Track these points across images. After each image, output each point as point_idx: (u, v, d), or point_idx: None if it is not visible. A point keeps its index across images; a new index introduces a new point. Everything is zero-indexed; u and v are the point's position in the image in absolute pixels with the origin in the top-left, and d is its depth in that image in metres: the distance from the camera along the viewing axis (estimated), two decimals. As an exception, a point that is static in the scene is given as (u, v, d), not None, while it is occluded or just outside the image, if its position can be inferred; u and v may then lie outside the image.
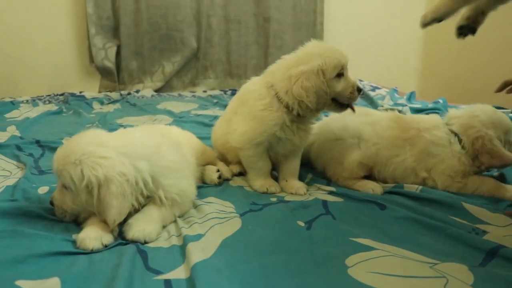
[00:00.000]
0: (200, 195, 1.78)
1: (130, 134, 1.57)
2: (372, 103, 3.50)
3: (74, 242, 1.37)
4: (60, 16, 4.22)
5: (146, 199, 1.49)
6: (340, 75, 1.80)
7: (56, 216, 1.51)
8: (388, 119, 2.04)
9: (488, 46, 4.40)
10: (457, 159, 1.89)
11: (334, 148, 2.00)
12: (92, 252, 1.32)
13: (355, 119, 2.03)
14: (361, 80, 4.32)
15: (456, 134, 1.93)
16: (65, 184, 1.43)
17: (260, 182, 1.90)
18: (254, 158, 1.89)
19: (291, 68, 1.80)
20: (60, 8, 4.20)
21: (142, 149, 1.48)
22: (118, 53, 4.32)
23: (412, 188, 1.84)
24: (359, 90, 1.84)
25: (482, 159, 1.87)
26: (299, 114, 1.82)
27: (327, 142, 2.03)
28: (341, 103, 1.85)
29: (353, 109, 1.87)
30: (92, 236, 1.36)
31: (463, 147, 1.91)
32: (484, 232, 1.46)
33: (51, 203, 1.52)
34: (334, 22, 4.75)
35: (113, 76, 4.31)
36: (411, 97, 3.57)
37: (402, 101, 3.45)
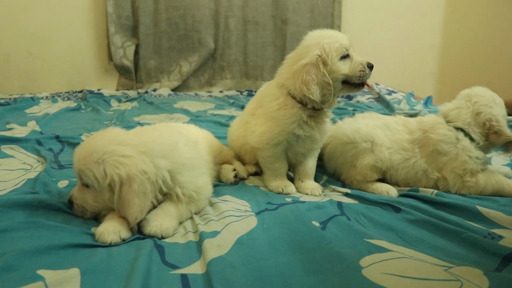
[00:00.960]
0: (216, 193, 1.80)
1: (148, 133, 1.59)
2: (389, 107, 3.49)
3: (93, 235, 1.41)
4: (80, 15, 4.29)
5: (163, 196, 1.52)
6: (345, 57, 1.81)
7: (75, 213, 1.53)
8: (395, 123, 2.06)
9: (506, 51, 4.36)
10: (468, 155, 1.90)
11: (347, 152, 2.01)
12: (110, 245, 1.35)
13: (368, 122, 2.04)
14: (377, 84, 4.31)
15: (461, 130, 1.94)
16: (86, 183, 1.45)
17: (276, 183, 1.91)
18: (272, 158, 1.91)
19: (294, 64, 1.82)
20: (81, 7, 4.27)
21: (161, 147, 1.50)
22: (136, 52, 4.38)
23: (428, 192, 1.84)
24: (371, 66, 1.83)
25: (491, 139, 1.92)
26: (315, 108, 1.84)
27: (340, 145, 2.03)
28: (354, 84, 1.85)
29: (368, 86, 1.88)
30: (110, 230, 1.39)
31: (472, 140, 1.92)
32: (500, 237, 1.45)
33: (70, 201, 1.54)
34: (352, 26, 4.75)
35: (131, 74, 4.37)
36: (427, 101, 3.55)
37: (419, 105, 3.44)
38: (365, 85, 1.87)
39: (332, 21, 4.65)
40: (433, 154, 1.94)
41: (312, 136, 1.87)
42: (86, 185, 1.46)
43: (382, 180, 2.01)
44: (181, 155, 1.55)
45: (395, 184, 2.00)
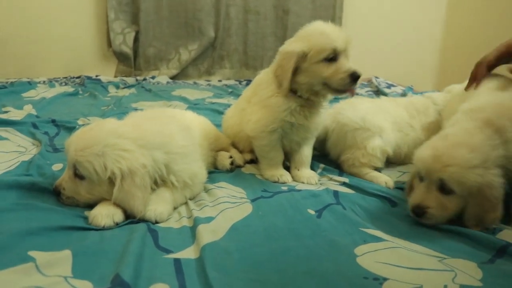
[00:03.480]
0: (212, 180, 1.79)
1: (144, 123, 1.56)
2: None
3: (86, 218, 1.39)
4: (80, 0, 4.24)
5: (157, 186, 1.51)
6: (331, 59, 1.71)
7: (64, 203, 1.49)
8: (388, 103, 2.24)
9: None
10: None
11: (358, 136, 2.00)
12: (103, 229, 1.34)
13: (368, 108, 2.09)
14: (377, 77, 4.29)
15: None
16: (83, 175, 1.42)
17: (271, 171, 1.89)
18: (267, 147, 1.89)
19: None
20: (80, -9, 4.23)
21: (157, 139, 1.49)
22: (136, 39, 4.34)
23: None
24: (355, 77, 1.70)
25: None
26: (304, 97, 1.81)
27: (350, 131, 2.02)
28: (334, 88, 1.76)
29: (351, 94, 1.80)
30: (104, 213, 1.38)
31: None
32: (495, 229, 1.45)
33: (57, 192, 1.50)
34: (353, 17, 4.71)
35: (130, 61, 4.33)
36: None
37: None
38: (348, 92, 1.78)
39: (334, 13, 4.61)
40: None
41: (304, 125, 1.85)
42: (80, 177, 1.44)
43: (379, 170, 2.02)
44: (176, 144, 1.54)
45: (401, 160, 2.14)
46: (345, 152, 2.04)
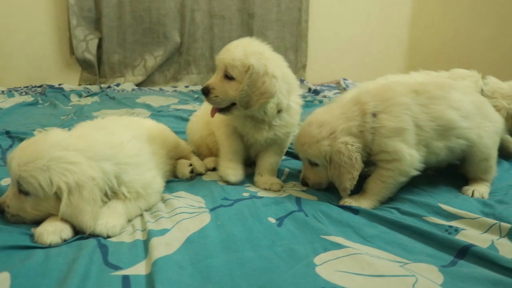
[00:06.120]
0: (171, 189, 1.72)
1: (91, 135, 1.48)
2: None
3: (32, 235, 1.31)
4: (40, 6, 4.13)
5: (108, 198, 1.44)
6: None
7: (9, 221, 1.40)
8: None
9: (472, 48, 4.40)
10: None
11: None
12: (50, 246, 1.26)
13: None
14: (345, 79, 4.29)
15: None
16: (27, 191, 1.34)
17: (225, 163, 1.88)
18: (223, 136, 1.91)
19: None
20: (40, -3, 4.11)
21: (106, 150, 1.42)
22: (99, 46, 4.24)
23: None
24: (204, 92, 1.77)
25: None
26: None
27: None
28: None
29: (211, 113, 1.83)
30: (50, 230, 1.30)
31: None
32: (457, 230, 1.42)
33: (0, 210, 1.40)
34: (319, 20, 4.72)
35: (94, 69, 4.23)
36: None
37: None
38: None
39: (300, 16, 4.61)
40: None
41: (250, 133, 1.85)
42: (25, 193, 1.35)
43: None
44: (126, 154, 1.48)
45: None
46: None
